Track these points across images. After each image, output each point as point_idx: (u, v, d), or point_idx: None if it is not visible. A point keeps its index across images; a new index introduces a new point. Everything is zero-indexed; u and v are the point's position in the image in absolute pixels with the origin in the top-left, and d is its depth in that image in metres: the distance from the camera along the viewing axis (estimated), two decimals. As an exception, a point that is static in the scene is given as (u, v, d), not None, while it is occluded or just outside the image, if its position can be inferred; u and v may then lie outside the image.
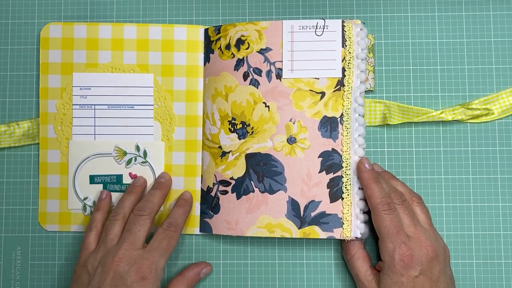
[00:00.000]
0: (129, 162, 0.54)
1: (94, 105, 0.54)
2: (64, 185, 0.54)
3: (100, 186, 0.54)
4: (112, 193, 0.54)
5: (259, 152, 0.51)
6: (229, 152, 0.52)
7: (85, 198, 0.54)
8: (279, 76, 0.51)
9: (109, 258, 0.47)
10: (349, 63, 0.51)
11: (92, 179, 0.54)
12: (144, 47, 0.54)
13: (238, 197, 0.51)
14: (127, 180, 0.54)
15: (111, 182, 0.54)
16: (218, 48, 0.53)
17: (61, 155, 0.54)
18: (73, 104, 0.54)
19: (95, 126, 0.54)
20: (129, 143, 0.54)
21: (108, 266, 0.46)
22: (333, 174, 0.50)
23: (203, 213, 0.53)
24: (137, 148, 0.54)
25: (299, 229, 0.50)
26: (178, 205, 0.52)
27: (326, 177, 0.50)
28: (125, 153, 0.54)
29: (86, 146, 0.54)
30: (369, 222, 0.50)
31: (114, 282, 0.45)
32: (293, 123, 0.51)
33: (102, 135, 0.54)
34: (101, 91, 0.54)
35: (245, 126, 0.52)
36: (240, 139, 0.52)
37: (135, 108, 0.54)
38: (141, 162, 0.54)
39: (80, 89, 0.54)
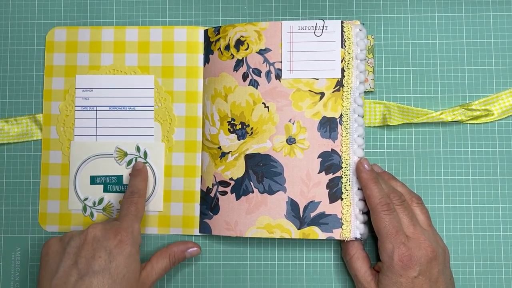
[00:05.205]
0: (129, 163, 0.54)
1: (96, 106, 0.54)
2: (65, 185, 0.54)
3: (101, 187, 0.54)
4: (111, 193, 0.54)
5: (259, 153, 0.51)
6: (228, 153, 0.52)
7: (86, 199, 0.54)
8: (278, 77, 0.51)
9: (84, 228, 0.49)
10: (348, 63, 0.51)
11: (93, 180, 0.54)
12: (145, 49, 0.54)
13: (238, 197, 0.51)
14: (127, 180, 0.54)
15: (111, 182, 0.54)
16: (218, 49, 0.53)
17: (63, 156, 0.54)
18: (75, 106, 0.54)
19: (96, 127, 0.54)
20: (130, 144, 0.54)
21: (84, 232, 0.47)
22: (333, 174, 0.50)
23: (202, 214, 0.53)
24: (138, 149, 0.54)
25: (298, 229, 0.50)
26: (134, 175, 0.52)
27: (325, 178, 0.50)
28: (125, 154, 0.54)
29: (88, 147, 0.54)
30: (368, 223, 0.50)
31: (92, 245, 0.46)
32: (293, 124, 0.51)
33: (103, 136, 0.54)
34: (103, 93, 0.54)
35: (245, 126, 0.52)
36: (239, 140, 0.52)
37: (136, 109, 0.54)
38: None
39: (83, 90, 0.54)
